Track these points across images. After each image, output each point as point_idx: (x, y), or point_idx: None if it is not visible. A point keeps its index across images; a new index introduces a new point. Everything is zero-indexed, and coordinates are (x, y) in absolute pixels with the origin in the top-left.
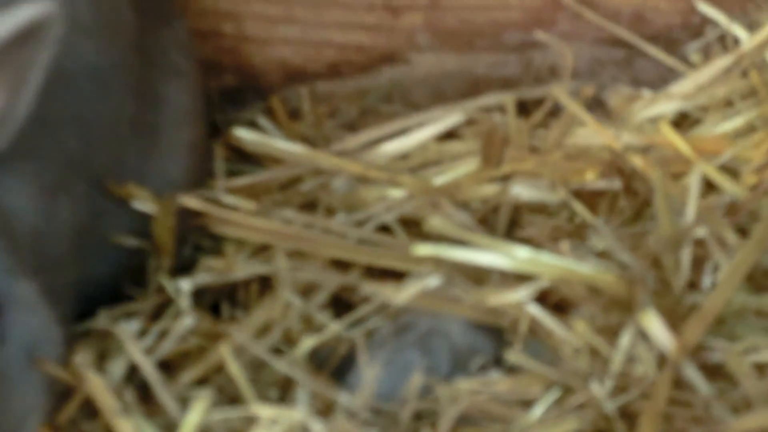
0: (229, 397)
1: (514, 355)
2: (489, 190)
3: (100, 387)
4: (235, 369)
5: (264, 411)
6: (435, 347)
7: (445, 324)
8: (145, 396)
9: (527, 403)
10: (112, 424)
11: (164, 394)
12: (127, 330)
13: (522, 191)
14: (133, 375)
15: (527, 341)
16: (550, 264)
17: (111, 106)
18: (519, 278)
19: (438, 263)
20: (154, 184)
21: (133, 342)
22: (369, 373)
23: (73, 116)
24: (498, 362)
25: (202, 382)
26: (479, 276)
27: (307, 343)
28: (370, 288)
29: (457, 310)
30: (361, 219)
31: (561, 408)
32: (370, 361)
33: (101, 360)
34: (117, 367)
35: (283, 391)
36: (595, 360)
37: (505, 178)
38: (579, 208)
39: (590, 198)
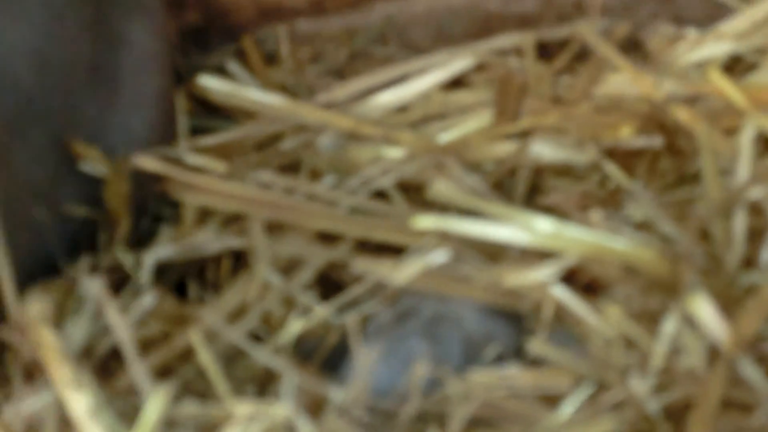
0: (199, 392)
1: (536, 345)
2: (504, 148)
3: (54, 349)
4: (206, 358)
5: (241, 407)
6: (443, 336)
7: (455, 309)
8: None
9: (553, 401)
10: (62, 395)
11: (138, 367)
12: (96, 285)
13: (544, 150)
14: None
15: (552, 329)
16: (578, 238)
17: (66, 41)
18: (541, 255)
19: (444, 237)
20: (115, 140)
21: (107, 298)
22: (364, 364)
23: (27, 48)
24: (517, 354)
25: (165, 374)
26: (494, 252)
27: (292, 328)
28: (363, 265)
29: (468, 293)
30: (352, 184)
31: (593, 407)
32: (365, 351)
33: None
34: (78, 329)
35: (261, 386)
36: (632, 351)
37: (524, 135)
38: (612, 170)
39: (626, 158)
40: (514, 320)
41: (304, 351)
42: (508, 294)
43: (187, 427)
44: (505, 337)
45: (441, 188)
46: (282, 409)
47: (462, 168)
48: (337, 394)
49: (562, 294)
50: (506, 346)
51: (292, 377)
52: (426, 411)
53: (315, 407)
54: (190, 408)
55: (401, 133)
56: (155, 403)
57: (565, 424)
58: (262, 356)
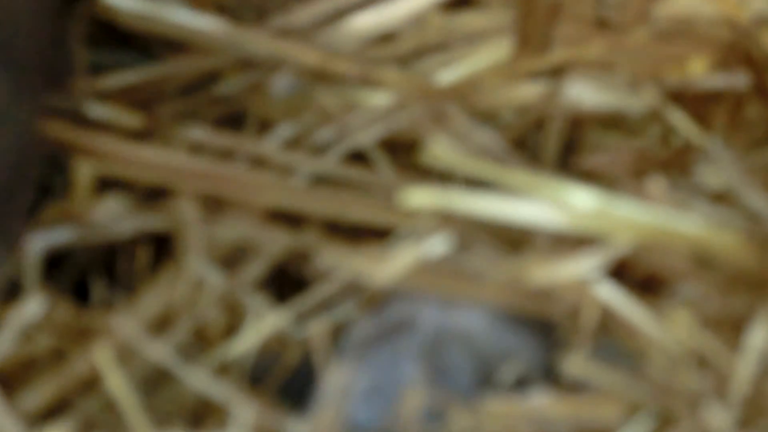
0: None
1: (574, 364)
2: (529, 92)
3: None
4: (117, 384)
5: None
6: (447, 355)
7: (462, 318)
8: None
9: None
10: None
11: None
12: None
13: (584, 93)
14: None
15: (596, 343)
16: (631, 217)
17: None
18: (580, 242)
19: (446, 217)
20: None
21: None
22: (336, 390)
23: None
24: (547, 376)
25: (59, 409)
26: (515, 238)
27: (237, 343)
28: (334, 257)
29: (479, 295)
30: (317, 142)
31: None
32: (338, 372)
33: None
34: None
35: (194, 421)
36: (707, 372)
37: (556, 73)
38: (679, 120)
39: (697, 104)
40: (543, 331)
41: (254, 373)
42: (534, 296)
43: None
44: (530, 353)
45: (441, 149)
46: None
47: (470, 120)
48: (299, 430)
49: (610, 294)
50: (531, 365)
51: (239, 409)
52: None
53: None
54: None
55: (386, 71)
56: None
57: None
58: (196, 380)
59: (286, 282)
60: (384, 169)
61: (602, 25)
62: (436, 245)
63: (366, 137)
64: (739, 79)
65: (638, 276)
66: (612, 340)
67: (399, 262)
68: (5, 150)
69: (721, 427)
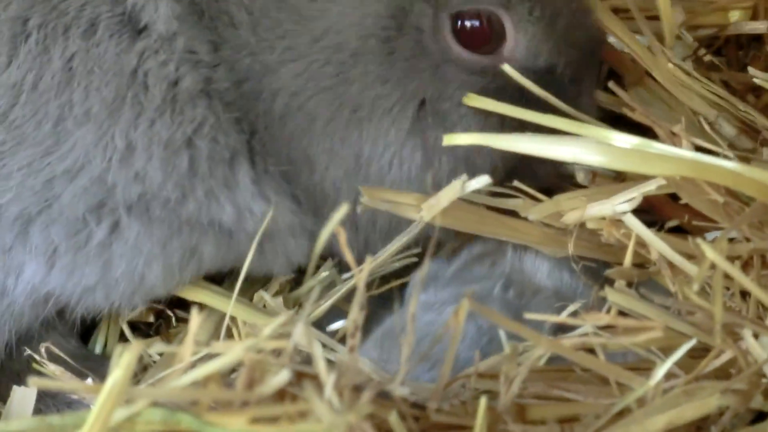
0: None
1: (617, 296)
2: None
3: None
4: None
5: None
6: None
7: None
8: None
9: (646, 368)
10: None
11: None
12: None
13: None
14: None
15: (640, 281)
16: (666, 155)
17: None
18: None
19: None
20: None
21: None
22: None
23: None
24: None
25: None
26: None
27: None
28: (382, 192)
29: (519, 234)
30: None
31: (696, 372)
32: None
33: None
34: None
35: None
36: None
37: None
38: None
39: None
40: (593, 273)
41: None
42: (571, 235)
43: None
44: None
45: None
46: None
47: None
48: None
49: (645, 231)
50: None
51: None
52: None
53: None
54: None
55: None
56: None
57: (661, 395)
58: None
59: None
60: None
61: None
62: (478, 184)
63: None
64: None
65: (675, 216)
66: (654, 280)
67: (443, 199)
68: None
69: (761, 355)
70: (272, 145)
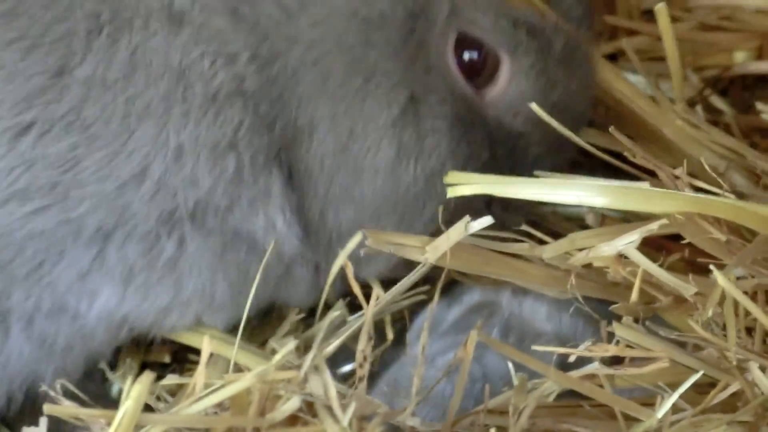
0: None
1: (624, 330)
2: None
3: None
4: None
5: None
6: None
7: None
8: None
9: (652, 403)
10: None
11: None
12: None
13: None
14: None
15: (645, 318)
16: (670, 195)
17: None
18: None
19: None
20: None
21: None
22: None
23: None
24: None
25: None
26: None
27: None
28: (385, 236)
29: (524, 277)
30: None
31: (703, 404)
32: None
33: None
34: None
35: None
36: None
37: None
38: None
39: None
40: (599, 311)
41: None
42: (578, 275)
43: None
44: (590, 334)
45: None
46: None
47: None
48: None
49: (651, 267)
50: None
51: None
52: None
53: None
54: None
55: None
56: None
57: (667, 427)
58: None
59: None
60: None
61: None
62: (481, 225)
63: None
64: None
65: (680, 254)
66: (660, 315)
67: (446, 241)
68: None
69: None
70: (282, 112)
